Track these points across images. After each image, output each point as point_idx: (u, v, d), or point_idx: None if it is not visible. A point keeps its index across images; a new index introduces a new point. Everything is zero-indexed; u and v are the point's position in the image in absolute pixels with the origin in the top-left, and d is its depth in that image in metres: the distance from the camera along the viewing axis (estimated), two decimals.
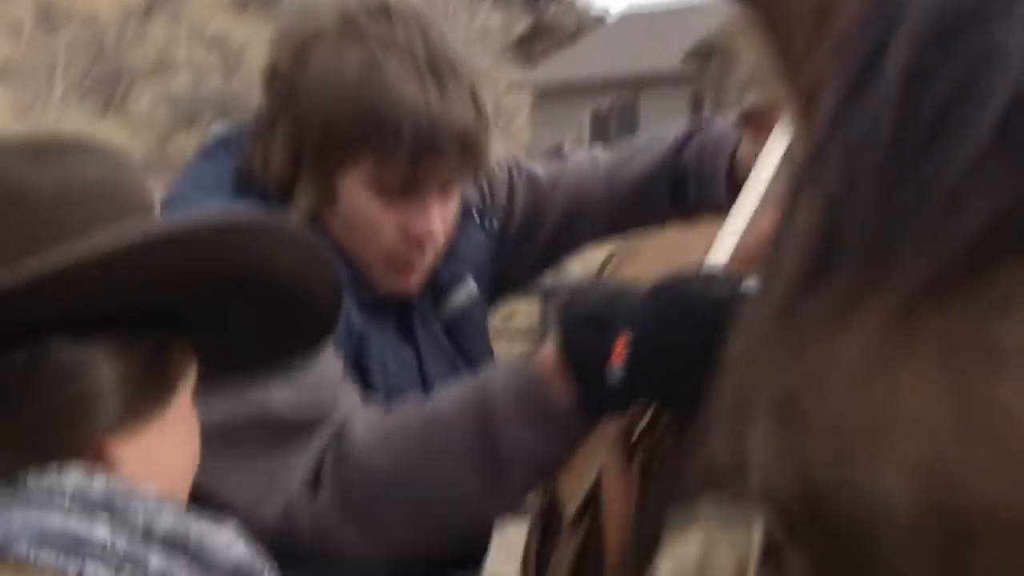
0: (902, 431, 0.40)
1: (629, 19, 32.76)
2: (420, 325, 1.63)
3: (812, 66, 0.52)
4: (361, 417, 1.38)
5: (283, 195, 1.49)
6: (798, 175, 0.48)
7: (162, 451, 0.99)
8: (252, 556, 0.96)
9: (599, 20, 39.92)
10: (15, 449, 0.91)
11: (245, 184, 1.50)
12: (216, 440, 1.12)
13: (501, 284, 1.80)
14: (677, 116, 27.76)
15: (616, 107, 28.94)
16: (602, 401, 1.26)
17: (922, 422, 0.39)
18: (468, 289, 1.67)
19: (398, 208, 1.49)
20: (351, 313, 1.49)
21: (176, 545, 0.92)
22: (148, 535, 0.91)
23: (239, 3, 42.88)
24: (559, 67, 31.46)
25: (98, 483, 0.91)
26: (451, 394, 1.37)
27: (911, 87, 0.42)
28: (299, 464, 1.34)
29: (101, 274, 0.92)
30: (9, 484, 0.90)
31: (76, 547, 0.88)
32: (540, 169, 1.86)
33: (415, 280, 1.57)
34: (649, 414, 1.31)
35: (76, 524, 0.89)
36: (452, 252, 1.62)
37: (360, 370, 1.51)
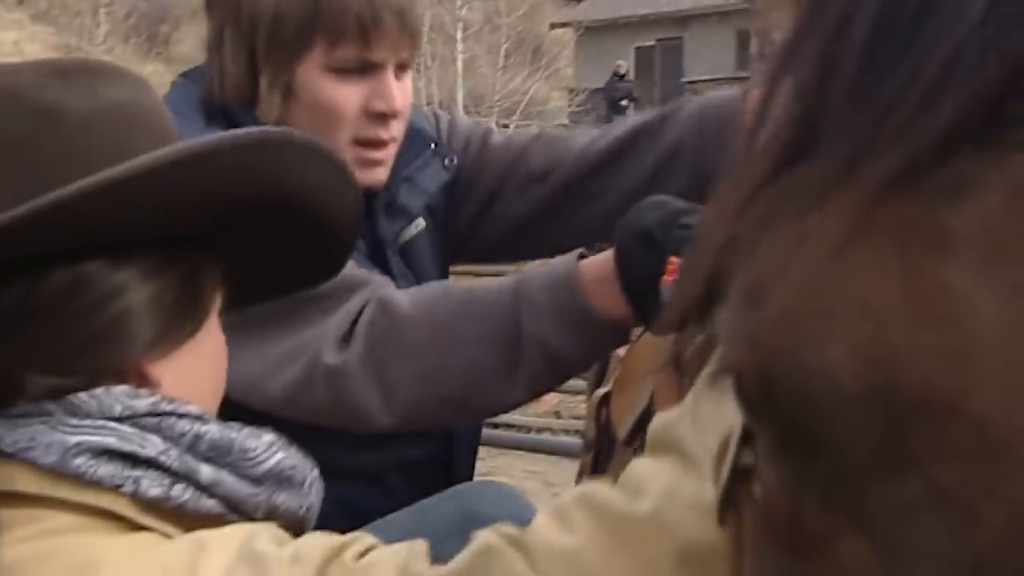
0: (850, 312, 0.41)
1: None
2: (385, 254, 1.67)
3: None
4: (406, 289, 1.45)
5: (246, 105, 1.56)
6: (776, 61, 0.48)
7: (195, 370, 1.01)
8: (292, 459, 0.99)
9: None
10: (59, 370, 0.93)
11: (210, 106, 1.57)
12: (240, 325, 1.15)
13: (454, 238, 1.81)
14: (723, 52, 27.40)
15: (661, 44, 28.58)
16: (655, 314, 1.26)
17: (869, 304, 0.41)
18: (417, 223, 1.72)
19: (357, 86, 1.55)
20: None
21: (220, 454, 0.94)
22: (194, 447, 0.93)
23: None
24: (603, 4, 31.08)
25: (145, 400, 0.93)
26: (496, 281, 1.42)
27: None
28: (332, 322, 1.38)
29: (138, 193, 0.92)
30: (58, 405, 0.92)
31: (131, 463, 0.90)
32: (499, 134, 1.86)
33: (382, 172, 1.62)
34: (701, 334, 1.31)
35: (129, 441, 0.90)
36: (412, 179, 1.68)
37: None
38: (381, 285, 1.45)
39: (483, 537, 0.87)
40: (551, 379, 1.39)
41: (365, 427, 1.39)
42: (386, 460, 1.63)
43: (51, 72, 0.98)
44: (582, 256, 1.38)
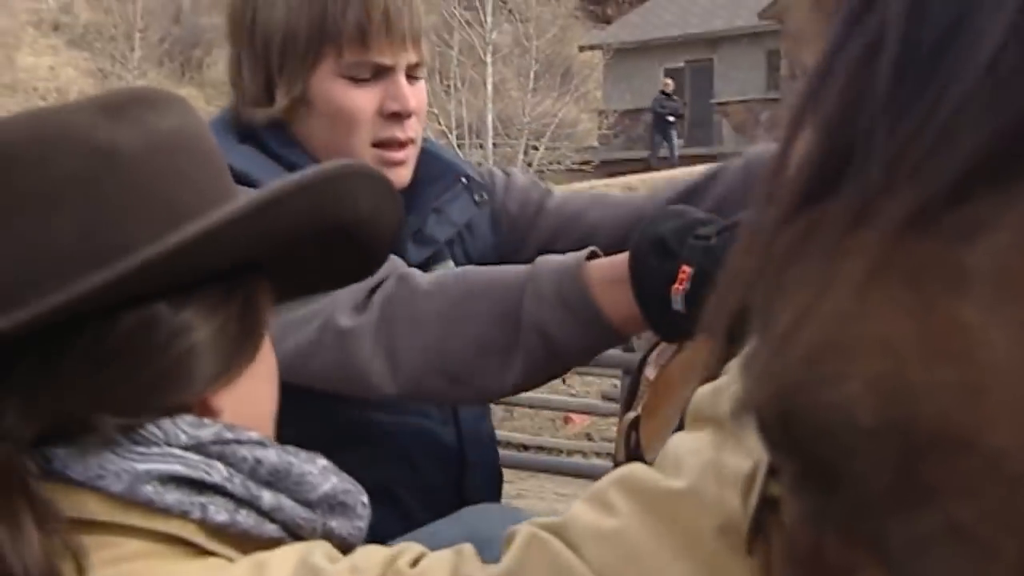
0: (868, 349, 0.42)
1: None
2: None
3: None
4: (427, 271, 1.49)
5: (271, 123, 1.64)
6: (799, 101, 0.48)
7: (254, 393, 1.03)
8: (346, 484, 1.01)
9: None
10: (129, 411, 0.94)
11: (239, 127, 1.65)
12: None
13: None
14: (753, 74, 27.37)
15: (690, 65, 28.59)
16: (664, 321, 1.30)
17: (887, 341, 0.41)
18: (446, 264, 1.74)
19: (370, 90, 1.63)
20: None
21: (279, 479, 0.96)
22: (255, 473, 0.95)
23: None
24: (633, 26, 31.16)
25: (209, 430, 0.95)
26: (516, 267, 1.46)
27: (912, 17, 0.43)
28: (351, 289, 1.41)
29: (211, 245, 0.95)
30: (127, 437, 0.94)
31: (198, 489, 0.93)
32: (557, 195, 1.90)
33: (405, 172, 1.67)
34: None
35: (195, 468, 0.93)
36: (441, 210, 1.74)
37: None
38: (403, 264, 1.49)
39: (525, 531, 0.87)
40: (547, 367, 1.40)
41: (368, 392, 1.43)
42: (396, 478, 1.65)
43: (99, 109, 0.99)
44: (593, 255, 1.39)
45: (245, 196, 1.00)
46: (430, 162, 1.74)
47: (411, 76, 1.66)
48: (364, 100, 1.62)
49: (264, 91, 1.64)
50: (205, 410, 0.97)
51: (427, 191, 1.72)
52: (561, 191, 1.92)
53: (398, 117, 1.64)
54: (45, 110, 1.02)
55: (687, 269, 1.25)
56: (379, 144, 1.64)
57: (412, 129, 1.66)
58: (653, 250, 1.29)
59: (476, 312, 1.39)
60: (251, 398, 1.02)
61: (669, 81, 26.66)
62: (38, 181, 0.95)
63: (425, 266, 1.70)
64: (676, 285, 1.25)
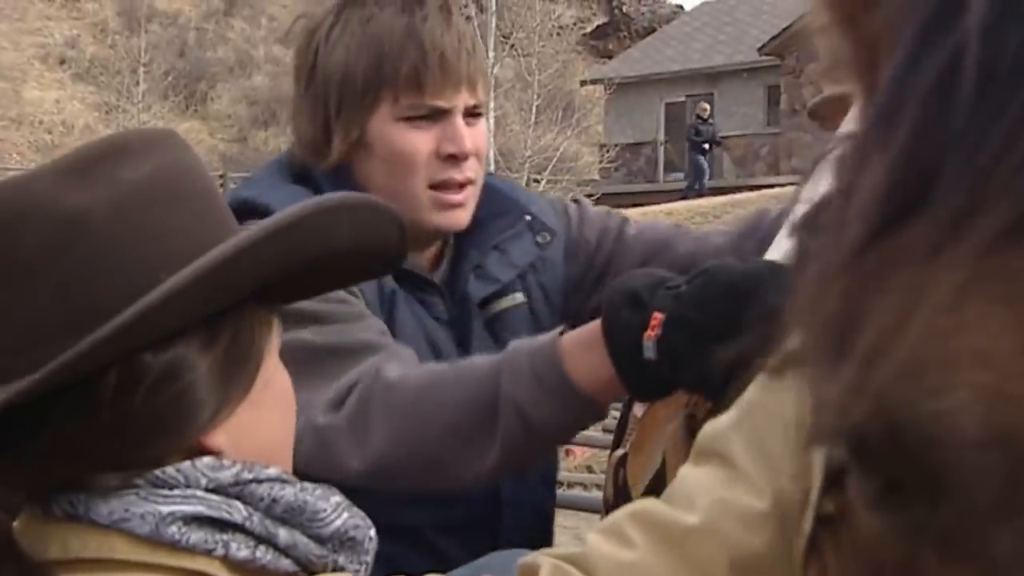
0: (969, 362, 0.43)
1: (703, 12, 32.53)
2: (469, 315, 1.71)
3: (871, 21, 0.53)
4: (404, 356, 1.49)
5: (331, 169, 1.65)
6: (866, 133, 0.49)
7: (257, 424, 1.02)
8: (356, 519, 1.02)
9: (673, 14, 39.68)
10: (134, 453, 0.96)
11: (293, 168, 1.68)
12: None
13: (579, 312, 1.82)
14: (752, 108, 27.51)
15: (691, 99, 28.74)
16: (639, 375, 1.29)
17: (987, 354, 0.42)
18: (514, 297, 1.75)
19: (427, 132, 1.63)
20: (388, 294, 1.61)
21: (294, 515, 0.98)
22: (271, 511, 0.97)
23: (317, 2, 43.32)
24: (634, 61, 31.35)
25: (228, 472, 0.97)
26: (489, 356, 1.46)
27: (990, 39, 0.44)
28: (332, 388, 1.43)
29: (191, 296, 0.94)
30: (145, 480, 0.95)
31: (219, 528, 0.95)
32: (633, 224, 1.88)
33: (463, 215, 1.68)
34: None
35: (217, 508, 0.95)
36: (503, 249, 1.73)
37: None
38: (390, 355, 1.49)
39: (547, 563, 0.91)
40: (527, 448, 1.40)
41: (343, 480, 1.40)
42: (423, 518, 1.64)
43: (68, 171, 0.98)
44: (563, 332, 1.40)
45: (236, 236, 0.99)
46: (493, 198, 1.75)
47: (469, 116, 1.67)
48: (421, 142, 1.64)
49: (322, 133, 1.65)
50: (206, 445, 0.98)
51: (489, 227, 1.73)
52: (633, 218, 1.91)
53: (455, 159, 1.64)
54: (14, 180, 1.02)
55: (658, 316, 1.25)
56: (436, 186, 1.65)
57: (470, 170, 1.67)
58: (625, 302, 1.29)
59: (448, 399, 1.39)
60: (255, 428, 1.02)
61: (706, 106, 26.18)
62: (10, 253, 0.96)
63: (489, 301, 1.71)
64: (648, 331, 1.26)
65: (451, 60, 1.62)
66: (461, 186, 1.66)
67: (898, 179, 0.45)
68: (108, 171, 0.98)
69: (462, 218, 1.68)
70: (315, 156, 1.66)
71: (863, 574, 0.50)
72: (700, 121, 25.60)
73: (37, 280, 0.95)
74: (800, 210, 1.02)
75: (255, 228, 0.99)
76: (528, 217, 1.77)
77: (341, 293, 1.49)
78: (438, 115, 1.64)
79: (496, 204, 1.75)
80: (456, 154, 1.64)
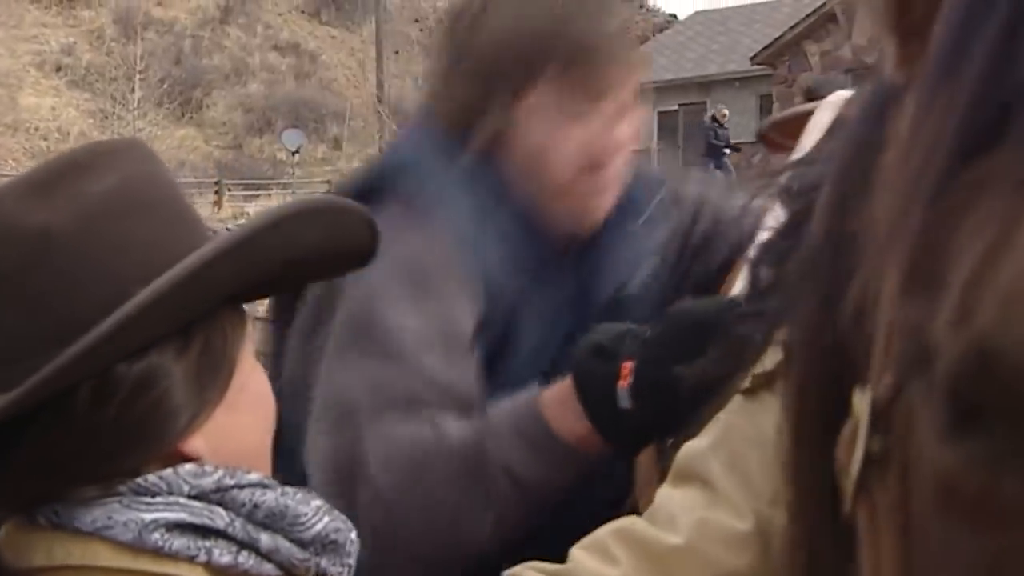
0: None
1: (696, 22, 32.67)
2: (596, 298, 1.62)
3: None
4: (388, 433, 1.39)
5: (484, 150, 1.54)
6: (930, 76, 0.49)
7: (233, 428, 1.02)
8: (337, 523, 1.02)
9: (667, 23, 39.81)
10: (113, 463, 0.96)
11: (444, 143, 1.56)
12: None
13: None
14: (744, 117, 27.64)
15: (684, 108, 28.88)
16: (615, 426, 1.28)
17: None
18: (641, 279, 1.65)
19: (581, 125, 1.54)
20: (503, 280, 1.50)
21: (275, 520, 0.98)
22: (252, 516, 0.97)
23: (312, 10, 43.46)
24: None
25: (210, 479, 0.97)
26: (464, 423, 1.41)
27: None
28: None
29: (168, 309, 0.94)
30: (127, 487, 0.95)
31: (202, 534, 0.95)
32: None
33: (607, 200, 1.59)
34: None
35: (199, 515, 0.95)
36: (635, 232, 1.64)
37: (510, 329, 1.52)
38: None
39: None
40: (521, 507, 1.37)
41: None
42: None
43: (30, 189, 0.97)
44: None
45: (212, 241, 0.98)
46: (632, 184, 1.65)
47: (625, 106, 1.59)
48: (572, 139, 1.54)
49: (477, 101, 1.54)
50: (184, 452, 0.98)
51: (627, 211, 1.63)
52: None
53: (600, 159, 1.56)
54: None
55: (628, 364, 1.24)
56: (585, 170, 1.55)
57: (620, 160, 1.59)
58: (591, 355, 1.29)
59: (436, 480, 1.35)
60: (233, 431, 1.01)
61: (726, 112, 24.53)
62: None
63: (616, 291, 1.61)
64: (621, 381, 1.25)
65: (619, 52, 1.55)
66: (609, 172, 1.57)
67: (976, 109, 0.44)
68: (71, 185, 0.97)
69: (606, 205, 1.60)
70: (462, 133, 1.54)
71: (928, 509, 0.50)
72: (718, 125, 24.01)
73: (6, 298, 0.95)
74: (760, 240, 1.02)
75: (227, 235, 0.99)
76: (657, 201, 1.68)
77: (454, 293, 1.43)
78: (593, 101, 1.53)
79: (634, 189, 1.65)
80: (608, 152, 1.56)
